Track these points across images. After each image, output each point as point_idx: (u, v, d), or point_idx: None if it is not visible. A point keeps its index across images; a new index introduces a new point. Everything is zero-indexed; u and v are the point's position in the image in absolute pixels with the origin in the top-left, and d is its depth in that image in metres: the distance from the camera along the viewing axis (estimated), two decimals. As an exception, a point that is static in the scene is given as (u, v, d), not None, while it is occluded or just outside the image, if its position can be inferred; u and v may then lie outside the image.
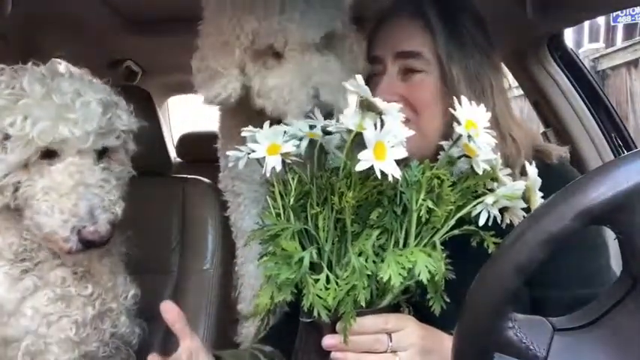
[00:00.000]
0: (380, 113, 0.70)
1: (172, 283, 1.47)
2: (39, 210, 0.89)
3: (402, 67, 0.95)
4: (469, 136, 0.73)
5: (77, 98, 0.91)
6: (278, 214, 0.78)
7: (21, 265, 0.97)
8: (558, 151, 0.98)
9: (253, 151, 0.78)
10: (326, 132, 0.77)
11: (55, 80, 0.93)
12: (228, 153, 0.82)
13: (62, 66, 0.99)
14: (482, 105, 0.75)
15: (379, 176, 0.67)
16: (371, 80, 0.98)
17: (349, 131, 0.71)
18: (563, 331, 0.50)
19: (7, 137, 0.88)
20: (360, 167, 0.67)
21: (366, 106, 0.71)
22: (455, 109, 0.74)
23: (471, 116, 0.74)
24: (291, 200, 0.77)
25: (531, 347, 0.49)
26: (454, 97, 0.76)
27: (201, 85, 1.02)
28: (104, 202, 0.91)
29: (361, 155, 0.67)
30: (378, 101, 0.70)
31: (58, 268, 0.99)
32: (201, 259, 1.47)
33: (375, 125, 0.69)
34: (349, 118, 0.72)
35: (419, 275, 0.68)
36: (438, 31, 0.95)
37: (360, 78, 0.71)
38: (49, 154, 0.90)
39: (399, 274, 0.67)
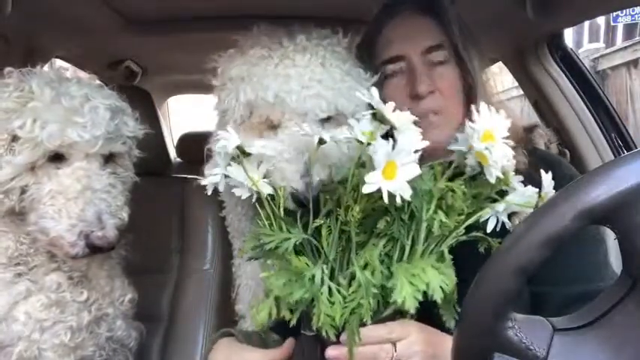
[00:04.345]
0: (392, 127, 0.68)
1: (172, 284, 1.47)
2: (45, 214, 0.88)
3: (427, 62, 0.97)
4: (486, 149, 0.70)
5: (86, 102, 0.91)
6: (270, 224, 0.75)
7: (15, 269, 0.96)
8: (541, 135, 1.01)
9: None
10: (321, 141, 0.74)
11: (63, 84, 0.93)
12: (202, 182, 0.79)
13: (69, 72, 1.00)
14: (502, 111, 0.74)
15: (386, 200, 0.64)
16: (388, 80, 0.98)
17: (359, 142, 0.68)
18: (563, 331, 0.50)
19: (15, 139, 0.88)
20: (366, 190, 0.64)
21: (379, 119, 0.68)
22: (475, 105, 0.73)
23: (490, 126, 0.71)
24: (281, 211, 0.75)
25: (531, 347, 0.49)
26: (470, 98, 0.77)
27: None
28: (111, 207, 0.91)
29: (368, 178, 0.64)
30: (390, 115, 0.67)
31: (53, 273, 0.98)
32: (201, 259, 1.46)
33: (386, 137, 0.66)
34: (358, 127, 0.69)
35: (433, 296, 0.66)
36: (452, 22, 0.98)
37: (375, 90, 0.69)
38: (57, 158, 0.90)
39: (414, 297, 0.66)
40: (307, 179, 0.79)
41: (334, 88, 0.87)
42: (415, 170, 0.65)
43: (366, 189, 0.65)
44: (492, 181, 0.72)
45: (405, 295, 0.66)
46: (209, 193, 0.79)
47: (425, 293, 0.68)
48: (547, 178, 0.71)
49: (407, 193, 0.64)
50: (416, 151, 0.67)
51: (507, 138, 0.72)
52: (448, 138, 0.83)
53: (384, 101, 0.69)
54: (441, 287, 0.67)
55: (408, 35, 0.99)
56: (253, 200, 0.78)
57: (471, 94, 0.97)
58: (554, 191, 0.71)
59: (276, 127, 0.89)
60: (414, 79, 0.95)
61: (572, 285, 0.86)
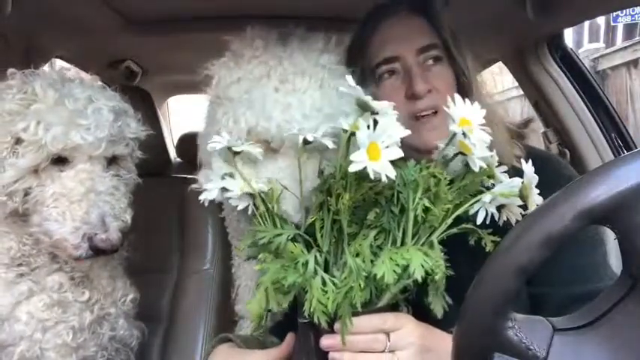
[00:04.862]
0: (374, 113, 0.70)
1: (172, 283, 1.47)
2: (49, 216, 0.89)
3: (422, 62, 0.98)
4: (463, 134, 0.73)
5: (89, 104, 0.91)
6: (265, 221, 0.76)
7: (17, 270, 0.96)
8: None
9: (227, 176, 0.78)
10: (305, 142, 0.75)
11: (66, 85, 0.93)
12: (200, 198, 0.79)
13: (71, 72, 1.00)
14: (476, 102, 0.76)
15: (372, 177, 0.67)
16: (383, 81, 0.99)
17: (344, 131, 0.71)
18: (563, 331, 0.50)
19: (18, 142, 0.88)
20: (353, 168, 0.66)
21: (361, 107, 0.71)
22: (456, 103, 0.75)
23: (465, 114, 0.74)
24: (275, 207, 0.77)
25: (531, 347, 0.49)
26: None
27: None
28: (114, 209, 0.92)
29: (354, 156, 0.67)
30: (371, 100, 0.69)
31: (55, 274, 0.98)
32: (201, 259, 1.46)
33: (369, 126, 0.68)
34: (346, 121, 0.71)
35: (413, 273, 0.67)
36: (444, 23, 0.99)
37: (350, 79, 0.70)
38: (60, 160, 0.90)
39: (393, 271, 0.67)
40: (304, 206, 0.79)
41: (333, 115, 0.85)
42: (397, 152, 0.68)
43: (352, 167, 0.66)
44: (476, 169, 0.73)
45: (385, 270, 0.67)
46: (206, 204, 0.80)
47: (415, 281, 0.69)
48: (528, 166, 0.72)
49: (391, 174, 0.67)
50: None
51: (484, 125, 0.74)
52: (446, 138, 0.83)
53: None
54: (423, 268, 0.68)
55: (402, 36, 0.99)
56: (249, 212, 0.79)
57: (466, 94, 0.98)
58: (536, 176, 0.72)
59: (275, 151, 0.87)
60: (410, 79, 0.95)
61: (571, 286, 0.86)
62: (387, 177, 0.67)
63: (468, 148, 0.73)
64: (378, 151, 0.67)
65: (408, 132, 0.70)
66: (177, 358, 1.36)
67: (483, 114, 0.75)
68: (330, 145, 0.74)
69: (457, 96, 0.75)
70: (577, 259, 0.87)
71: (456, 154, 0.76)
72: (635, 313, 0.48)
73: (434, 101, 0.95)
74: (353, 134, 0.70)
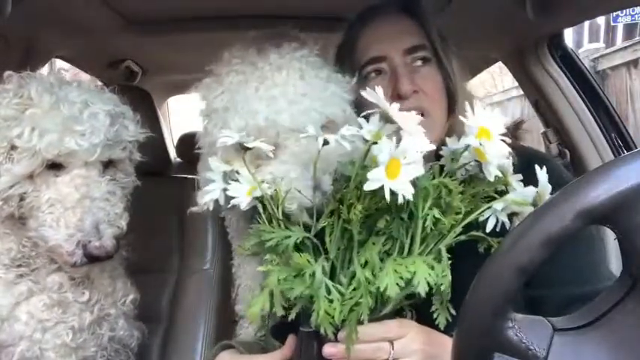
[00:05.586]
0: (398, 128, 0.68)
1: (172, 283, 1.47)
2: (44, 222, 0.88)
3: (409, 63, 0.97)
4: (480, 144, 0.70)
5: (85, 109, 0.90)
6: (270, 222, 0.75)
7: (17, 270, 0.96)
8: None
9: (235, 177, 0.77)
10: (325, 142, 0.73)
11: (63, 89, 0.91)
12: (205, 200, 0.79)
13: (69, 73, 0.99)
14: (497, 110, 0.74)
15: (387, 198, 0.64)
16: (369, 81, 0.98)
17: (365, 141, 0.69)
18: (563, 331, 0.50)
19: (13, 147, 0.87)
20: (368, 187, 0.64)
21: (384, 119, 0.68)
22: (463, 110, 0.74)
23: (485, 123, 0.71)
24: (280, 210, 0.75)
25: (531, 347, 0.49)
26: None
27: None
28: (109, 215, 0.91)
29: (371, 174, 0.64)
30: (397, 115, 0.67)
31: (55, 274, 0.98)
32: (201, 259, 1.46)
33: (391, 137, 0.66)
34: (367, 127, 0.69)
35: (417, 286, 0.66)
36: (430, 23, 0.99)
37: (380, 91, 0.68)
38: (55, 166, 0.90)
39: (397, 284, 0.66)
40: (317, 193, 0.78)
41: (320, 98, 0.86)
42: (419, 170, 0.65)
43: (368, 186, 0.64)
44: (491, 179, 0.71)
45: (388, 282, 0.66)
46: (211, 207, 0.80)
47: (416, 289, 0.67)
48: (542, 174, 0.70)
49: (408, 193, 0.64)
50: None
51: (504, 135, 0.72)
52: (432, 142, 0.82)
53: (367, 103, 0.69)
54: (427, 282, 0.66)
55: (389, 36, 0.99)
56: (262, 213, 0.78)
57: (452, 98, 0.97)
58: (549, 186, 0.70)
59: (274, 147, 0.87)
60: (396, 79, 0.95)
61: (570, 286, 0.86)
62: (404, 196, 0.64)
63: (483, 156, 0.71)
64: (398, 168, 0.64)
65: (433, 147, 0.68)
66: (177, 358, 1.36)
67: (506, 122, 0.72)
68: (349, 147, 0.72)
69: (477, 104, 0.74)
70: (575, 259, 0.87)
71: (468, 162, 0.74)
72: (635, 312, 0.48)
73: (419, 103, 0.94)
74: (374, 143, 0.67)
